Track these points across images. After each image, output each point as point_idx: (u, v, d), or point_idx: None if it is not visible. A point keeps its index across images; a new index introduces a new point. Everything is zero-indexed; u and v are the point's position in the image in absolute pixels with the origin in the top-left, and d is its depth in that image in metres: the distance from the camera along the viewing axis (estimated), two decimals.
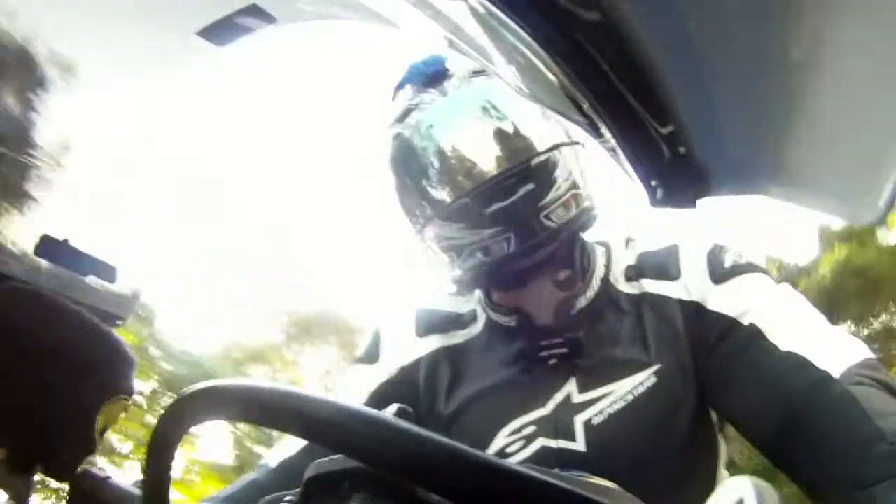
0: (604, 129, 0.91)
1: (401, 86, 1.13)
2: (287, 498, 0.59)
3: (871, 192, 0.72)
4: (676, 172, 0.97)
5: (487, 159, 1.01)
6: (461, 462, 0.42)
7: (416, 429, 0.44)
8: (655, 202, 1.02)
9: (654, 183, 1.02)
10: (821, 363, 0.90)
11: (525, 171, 1.02)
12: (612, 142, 0.94)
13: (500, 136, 1.02)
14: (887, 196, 0.69)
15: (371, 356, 1.20)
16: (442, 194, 1.04)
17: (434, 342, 1.19)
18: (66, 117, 1.05)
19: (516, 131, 1.03)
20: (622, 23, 0.65)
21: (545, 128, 1.05)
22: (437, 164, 1.04)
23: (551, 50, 0.70)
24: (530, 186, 1.01)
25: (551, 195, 1.02)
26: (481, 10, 0.70)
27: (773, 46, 0.65)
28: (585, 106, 0.86)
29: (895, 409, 0.84)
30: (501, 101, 1.04)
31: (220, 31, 1.07)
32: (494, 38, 0.89)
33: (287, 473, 1.05)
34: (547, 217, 1.01)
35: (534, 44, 0.70)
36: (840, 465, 0.83)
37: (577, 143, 1.08)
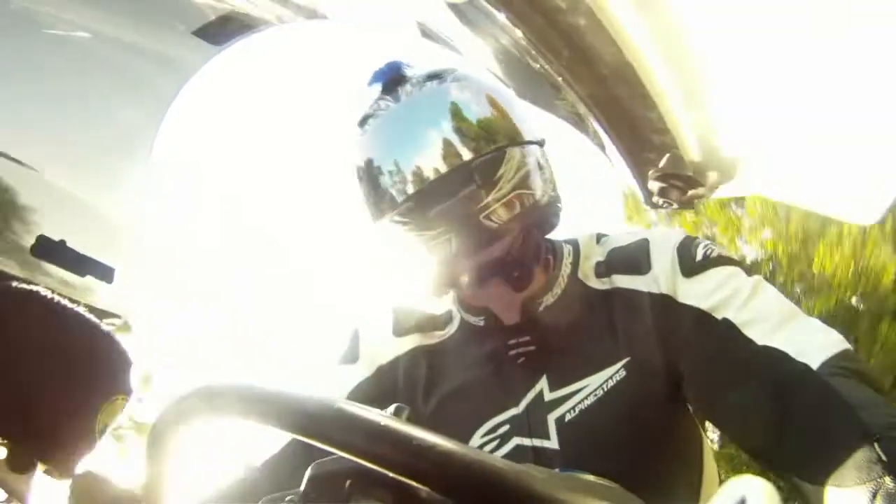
0: (597, 127, 0.91)
1: (363, 92, 1.15)
2: (288, 497, 0.59)
3: (870, 190, 0.73)
4: (673, 174, 0.98)
5: (431, 163, 1.03)
6: (462, 461, 0.42)
7: (414, 428, 0.44)
8: (652, 204, 1.02)
9: (651, 184, 1.02)
10: (799, 356, 0.90)
11: (465, 172, 1.02)
12: (608, 141, 0.94)
13: (444, 139, 1.03)
14: (887, 195, 0.69)
15: (350, 356, 1.21)
16: (391, 198, 1.06)
17: (411, 341, 1.20)
18: None
19: (461, 134, 1.04)
20: (616, 22, 0.65)
21: (496, 129, 1.06)
22: (386, 169, 1.06)
23: (546, 49, 0.71)
24: (471, 188, 1.02)
25: (492, 196, 1.02)
26: (478, 10, 0.71)
27: (771, 47, 0.66)
28: (580, 106, 0.86)
29: (875, 400, 0.84)
30: (450, 104, 1.06)
31: (216, 30, 1.07)
32: (485, 39, 0.89)
33: (276, 472, 1.06)
34: (487, 218, 1.02)
35: (527, 43, 0.70)
36: (823, 458, 0.83)
37: (530, 142, 1.09)
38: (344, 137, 1.16)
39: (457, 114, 1.05)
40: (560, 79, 0.82)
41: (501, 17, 0.72)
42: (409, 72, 1.10)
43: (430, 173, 1.02)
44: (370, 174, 1.08)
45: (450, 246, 1.02)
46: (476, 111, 1.05)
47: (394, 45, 1.20)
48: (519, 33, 0.72)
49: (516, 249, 1.05)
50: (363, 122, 1.09)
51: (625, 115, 0.87)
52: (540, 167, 1.08)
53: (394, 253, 1.10)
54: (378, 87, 1.11)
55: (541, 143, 1.09)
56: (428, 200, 1.02)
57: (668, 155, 0.91)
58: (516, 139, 1.06)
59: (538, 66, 0.80)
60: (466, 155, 1.02)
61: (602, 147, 1.05)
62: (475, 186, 1.01)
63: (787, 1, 0.61)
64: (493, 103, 1.06)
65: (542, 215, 1.08)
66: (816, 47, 0.63)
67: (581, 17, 0.69)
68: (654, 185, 0.97)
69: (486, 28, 0.78)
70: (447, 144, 1.03)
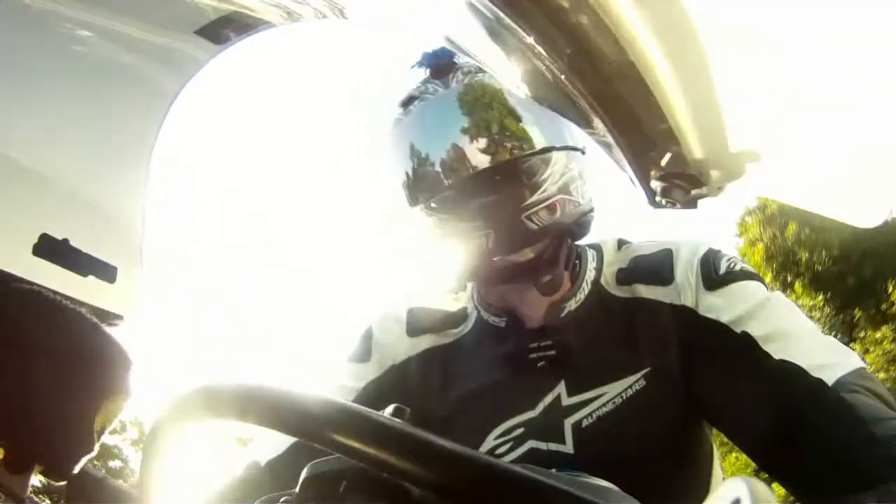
0: (601, 128, 0.90)
1: (412, 72, 1.14)
2: (284, 497, 0.59)
3: (872, 193, 0.72)
4: (676, 173, 0.97)
5: (477, 155, 1.02)
6: (457, 462, 0.42)
7: (412, 429, 0.44)
8: (655, 203, 1.02)
9: (654, 184, 1.02)
10: (814, 372, 0.90)
11: (512, 169, 1.02)
12: (611, 141, 0.94)
13: (493, 133, 1.02)
14: (889, 198, 0.69)
15: (362, 355, 1.21)
16: (430, 184, 1.05)
17: (425, 342, 1.20)
18: None
19: (510, 130, 1.03)
20: (619, 22, 0.65)
21: (544, 130, 1.05)
22: (429, 154, 1.05)
23: (549, 48, 0.70)
24: (515, 186, 1.01)
25: (536, 197, 1.02)
26: (481, 8, 0.70)
27: (773, 47, 0.65)
28: (584, 104, 0.86)
29: (889, 415, 0.84)
30: (501, 99, 1.04)
31: (218, 29, 1.07)
32: (493, 37, 0.89)
33: (276, 472, 1.06)
34: (528, 218, 1.01)
35: (532, 42, 0.69)
36: (836, 471, 0.83)
37: (575, 148, 1.09)
38: (380, 115, 1.15)
39: (507, 108, 1.04)
40: (563, 77, 0.81)
41: (530, 39, 0.71)
42: (460, 59, 1.09)
43: (475, 164, 1.01)
44: (411, 157, 1.07)
45: (486, 241, 1.02)
46: (527, 108, 1.04)
47: (409, 48, 1.19)
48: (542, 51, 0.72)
49: (549, 254, 1.06)
50: (408, 102, 1.09)
51: (628, 113, 0.86)
52: (581, 175, 1.08)
53: (421, 241, 1.10)
54: (425, 70, 1.11)
55: (583, 152, 1.10)
56: (470, 192, 1.02)
57: (670, 154, 0.90)
58: (563, 143, 1.06)
59: (546, 66, 0.80)
60: (514, 151, 1.02)
61: (610, 149, 1.04)
62: (519, 184, 1.01)
63: (793, 1, 0.60)
64: (542, 103, 1.04)
65: (578, 223, 1.08)
66: (821, 46, 0.63)
67: (584, 15, 0.69)
68: (657, 185, 0.97)
69: (518, 50, 0.78)
70: (495, 137, 1.02)
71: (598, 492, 0.49)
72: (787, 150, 0.84)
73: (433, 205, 1.05)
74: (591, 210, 1.11)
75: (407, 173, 1.08)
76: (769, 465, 0.94)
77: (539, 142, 1.04)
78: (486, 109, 1.03)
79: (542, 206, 1.02)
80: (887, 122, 0.65)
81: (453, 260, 1.06)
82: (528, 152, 1.03)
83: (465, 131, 1.03)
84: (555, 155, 1.04)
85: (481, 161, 1.01)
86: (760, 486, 0.32)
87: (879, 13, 0.55)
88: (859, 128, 0.70)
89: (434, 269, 1.12)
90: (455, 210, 1.03)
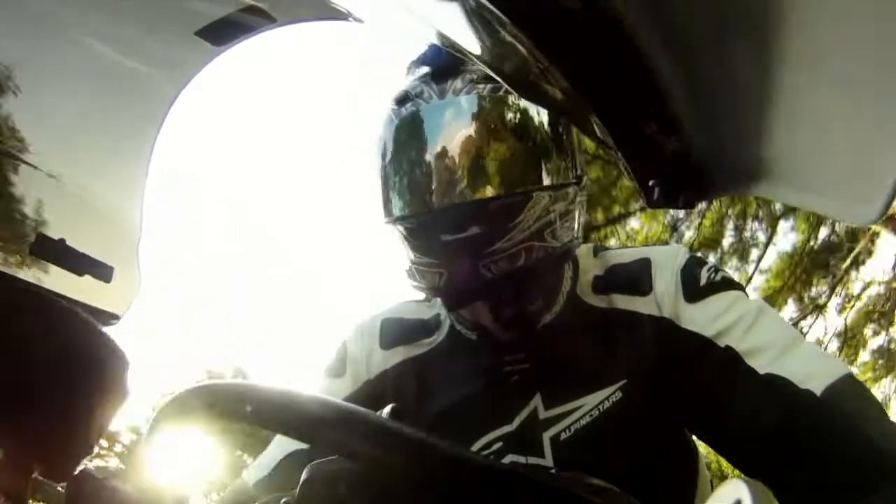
0: (599, 125, 0.90)
1: (415, 65, 1.06)
2: (284, 499, 0.59)
3: (868, 191, 0.72)
4: (674, 172, 0.97)
5: (450, 186, 0.93)
6: (458, 462, 0.42)
7: (410, 429, 0.44)
8: (653, 202, 1.02)
9: (652, 183, 1.02)
10: (802, 383, 0.89)
11: (481, 209, 0.93)
12: (610, 140, 0.94)
13: (472, 164, 0.93)
14: (885, 196, 0.69)
15: (337, 370, 1.19)
16: (397, 204, 0.99)
17: (399, 354, 1.17)
18: None
19: (492, 162, 0.94)
20: (617, 20, 0.65)
21: (533, 163, 0.97)
22: (401, 173, 0.98)
23: (545, 47, 0.70)
24: (481, 229, 0.93)
25: (499, 245, 0.93)
26: (477, 8, 0.70)
27: (771, 46, 0.65)
28: (583, 104, 0.86)
29: (881, 418, 0.84)
30: (495, 122, 0.96)
31: (218, 31, 1.07)
32: (488, 35, 0.89)
33: (264, 491, 1.04)
34: (486, 267, 0.93)
35: (528, 41, 0.69)
36: (835, 480, 0.83)
37: (562, 186, 1.00)
38: (379, 103, 1.07)
39: (498, 136, 0.95)
40: (561, 77, 0.81)
41: (528, 40, 0.71)
42: (466, 65, 0.99)
43: (441, 198, 0.94)
44: (387, 168, 1.01)
45: (438, 279, 0.97)
46: (522, 136, 0.96)
47: (407, 49, 1.15)
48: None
49: (509, 294, 1.01)
50: (402, 101, 1.01)
51: (627, 113, 0.86)
52: (565, 213, 0.99)
53: (393, 247, 1.07)
54: (427, 68, 1.03)
55: (578, 181, 1.02)
56: (430, 226, 0.95)
57: (669, 153, 0.90)
58: (550, 181, 0.98)
59: (543, 67, 0.80)
60: (489, 190, 0.93)
61: (609, 149, 1.04)
62: (486, 228, 0.93)
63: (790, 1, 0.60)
64: (542, 131, 0.98)
65: (548, 266, 1.01)
66: (813, 46, 0.63)
67: (582, 15, 0.69)
68: (656, 184, 0.97)
69: (515, 50, 0.78)
70: (473, 171, 0.93)
71: (599, 492, 0.49)
72: (783, 147, 0.85)
73: (398, 227, 1.00)
74: (573, 246, 1.05)
75: (381, 182, 1.02)
76: (765, 479, 0.93)
77: (520, 181, 0.95)
78: (469, 136, 0.94)
79: (503, 254, 0.93)
80: (882, 119, 0.65)
81: (411, 280, 1.03)
82: (504, 193, 0.94)
83: (438, 158, 0.94)
84: (535, 196, 0.95)
85: (448, 196, 0.93)
86: (761, 488, 0.32)
87: (879, 12, 0.55)
88: (857, 125, 0.70)
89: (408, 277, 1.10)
90: (415, 240, 0.98)
